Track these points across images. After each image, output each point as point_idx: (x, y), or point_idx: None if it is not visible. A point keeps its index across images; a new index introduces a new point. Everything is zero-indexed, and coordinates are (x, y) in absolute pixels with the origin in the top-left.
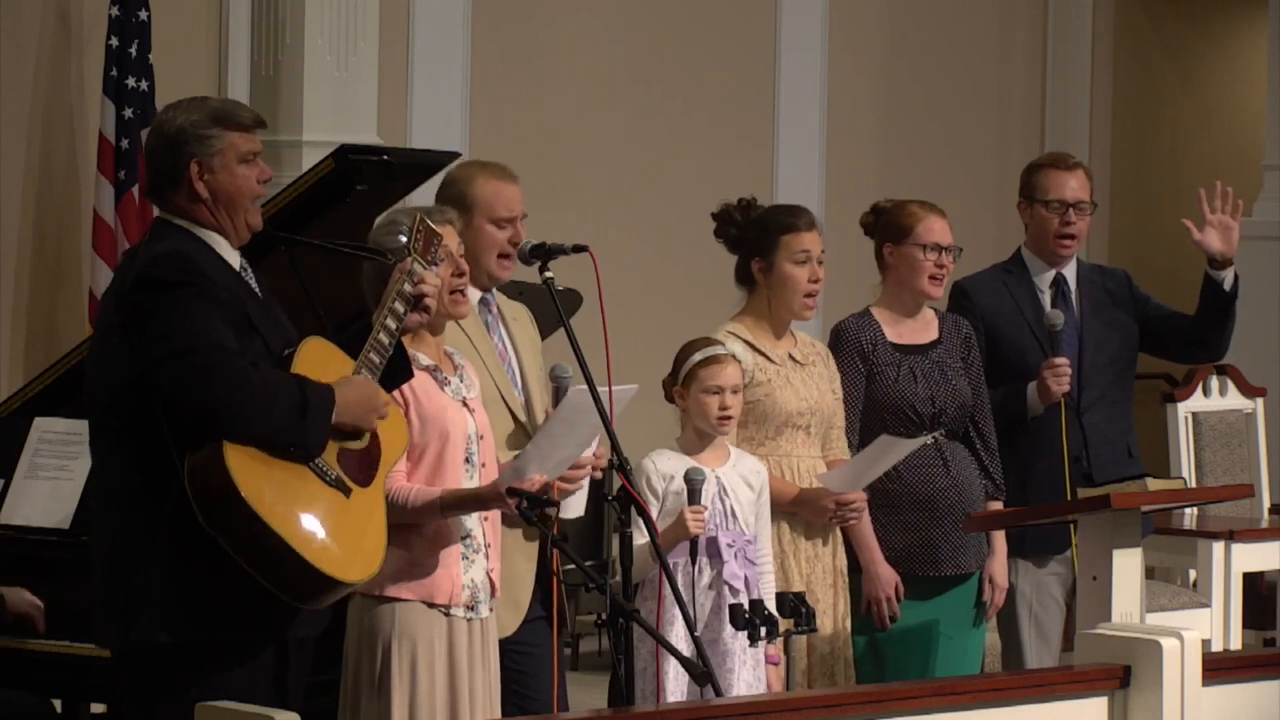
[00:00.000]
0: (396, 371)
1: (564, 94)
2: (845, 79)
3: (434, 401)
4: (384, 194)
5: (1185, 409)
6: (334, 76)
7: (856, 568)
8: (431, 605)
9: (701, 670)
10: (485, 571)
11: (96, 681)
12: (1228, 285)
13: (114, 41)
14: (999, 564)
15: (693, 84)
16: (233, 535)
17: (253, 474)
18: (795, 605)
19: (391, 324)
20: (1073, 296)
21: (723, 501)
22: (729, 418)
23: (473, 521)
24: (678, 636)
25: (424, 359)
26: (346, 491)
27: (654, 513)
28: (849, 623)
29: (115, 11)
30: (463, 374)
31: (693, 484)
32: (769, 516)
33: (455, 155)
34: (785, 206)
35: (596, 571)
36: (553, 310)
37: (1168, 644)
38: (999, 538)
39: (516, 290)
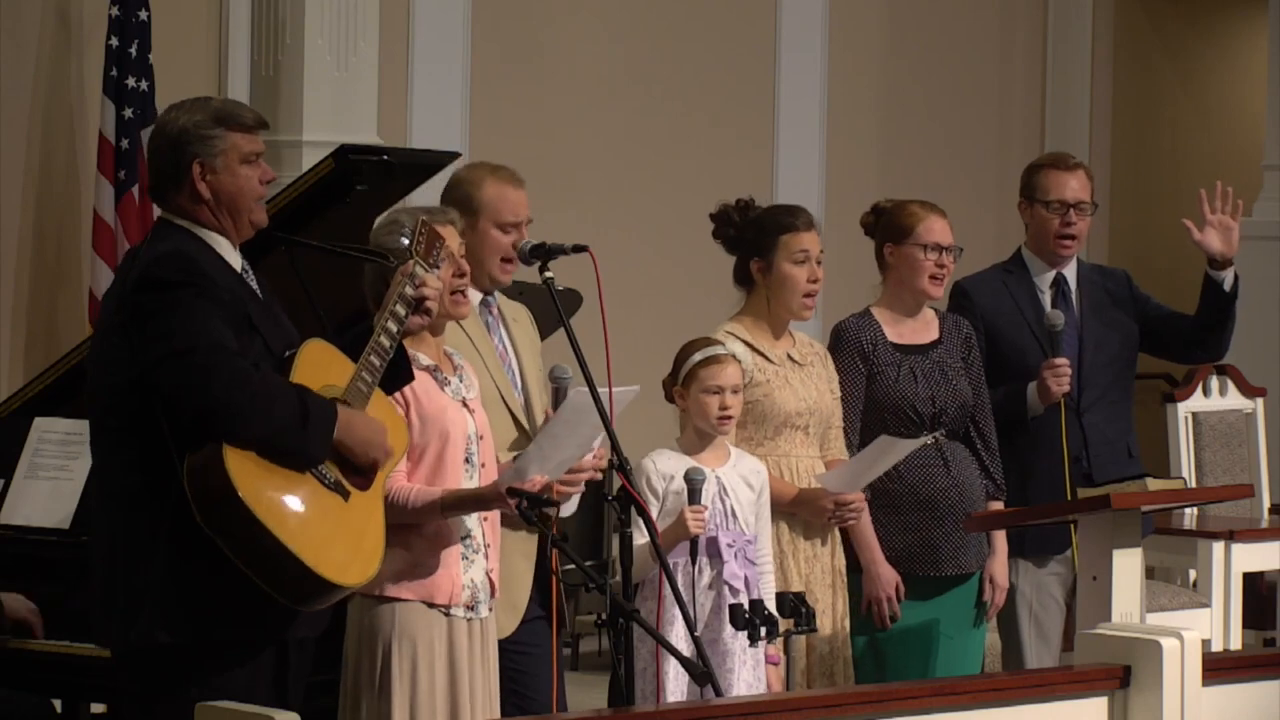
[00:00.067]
0: (397, 374)
1: (564, 94)
2: (845, 79)
3: (434, 401)
4: (384, 194)
5: (1185, 409)
6: (334, 76)
7: (856, 568)
8: (432, 605)
9: (701, 670)
10: (485, 571)
11: (96, 681)
12: (1228, 285)
13: (114, 41)
14: (999, 564)
15: (693, 84)
16: (231, 536)
17: (251, 475)
18: (795, 605)
19: (393, 327)
20: (1073, 297)
21: (723, 501)
22: (729, 418)
23: (472, 522)
24: (678, 636)
25: (424, 359)
26: (345, 494)
27: (654, 513)
28: (848, 622)
29: (115, 11)
30: (462, 374)
31: (693, 484)
32: (769, 516)
33: (455, 155)
34: (783, 206)
35: (596, 571)
36: (553, 310)
37: (1168, 644)
38: (999, 538)
39: (516, 290)
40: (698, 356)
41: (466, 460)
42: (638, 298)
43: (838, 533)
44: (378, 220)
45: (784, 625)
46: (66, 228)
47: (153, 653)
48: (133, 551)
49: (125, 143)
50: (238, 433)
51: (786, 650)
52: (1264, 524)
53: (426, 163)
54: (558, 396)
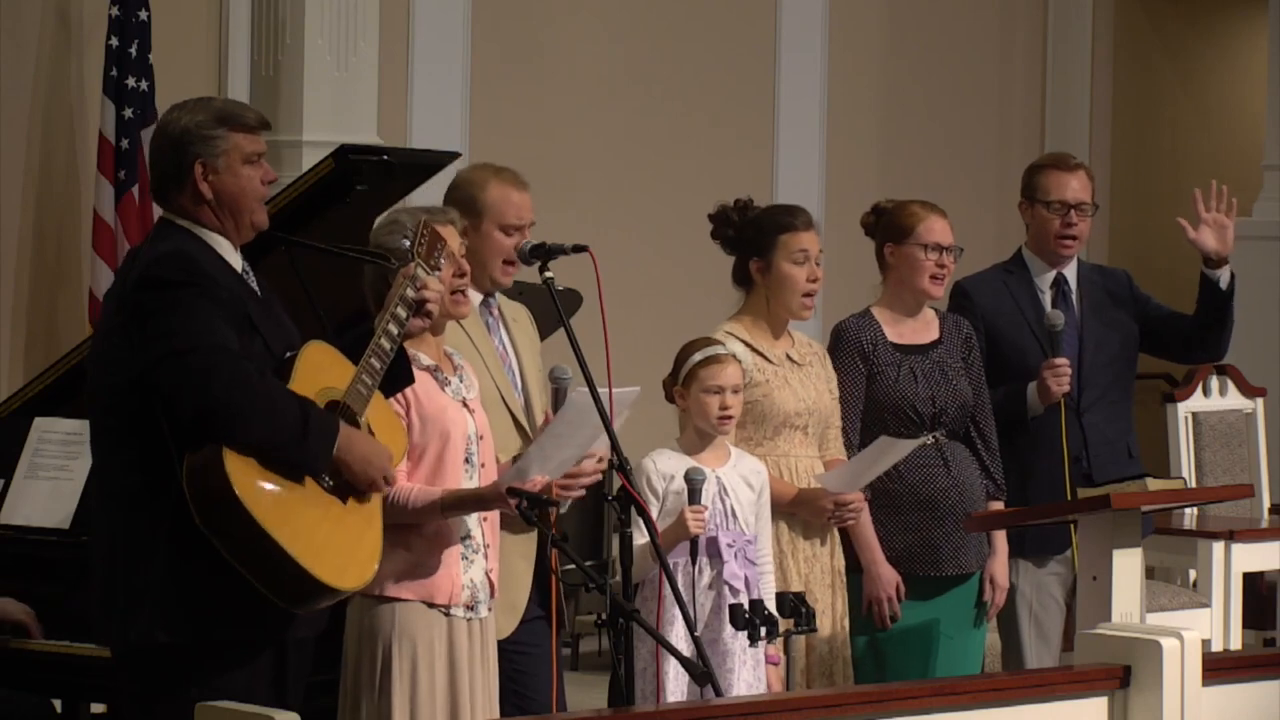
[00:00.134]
0: (397, 377)
1: (564, 94)
2: (845, 79)
3: (434, 402)
4: (384, 194)
5: (1185, 409)
6: (334, 76)
7: (856, 568)
8: (431, 605)
9: (701, 670)
10: (484, 572)
11: (96, 681)
12: (1223, 284)
13: (114, 41)
14: (1000, 564)
15: (693, 84)
16: (229, 537)
17: (250, 477)
18: (795, 605)
19: (394, 329)
20: (1073, 297)
21: (723, 501)
22: (729, 417)
23: (472, 522)
24: (678, 636)
25: (424, 359)
26: (343, 497)
27: (654, 513)
28: (847, 622)
29: (115, 11)
30: (462, 374)
31: (693, 484)
32: (769, 517)
33: (455, 155)
34: (782, 206)
35: (596, 571)
36: (553, 310)
37: (1168, 644)
38: (1000, 538)
39: (516, 290)
40: (698, 356)
41: (466, 460)
42: (638, 298)
43: (837, 533)
44: (378, 220)
45: (784, 625)
46: (66, 228)
47: (152, 653)
48: (132, 551)
49: (125, 143)
50: (237, 434)
51: (786, 650)
52: (1264, 524)
53: (426, 163)
54: (558, 397)
